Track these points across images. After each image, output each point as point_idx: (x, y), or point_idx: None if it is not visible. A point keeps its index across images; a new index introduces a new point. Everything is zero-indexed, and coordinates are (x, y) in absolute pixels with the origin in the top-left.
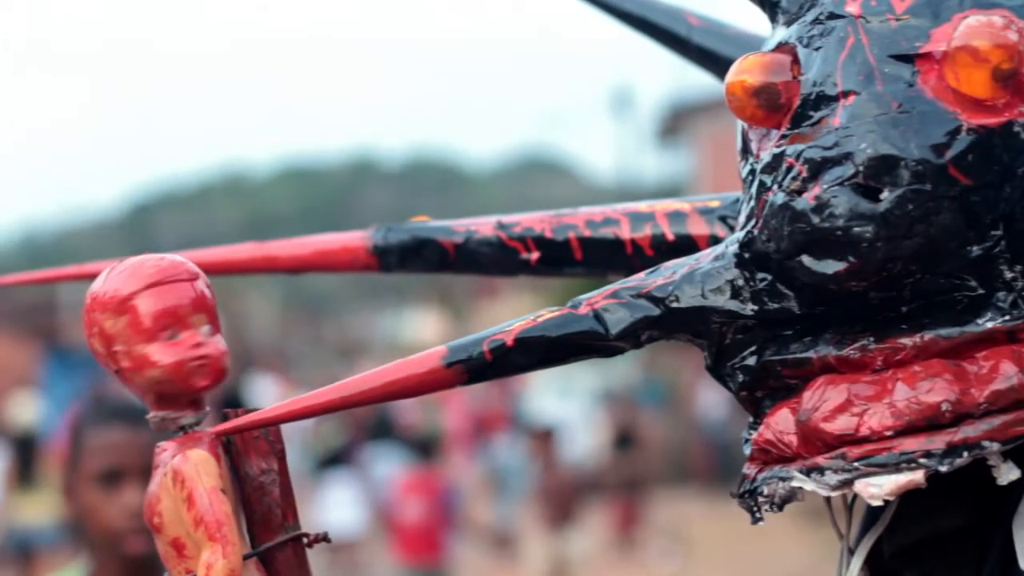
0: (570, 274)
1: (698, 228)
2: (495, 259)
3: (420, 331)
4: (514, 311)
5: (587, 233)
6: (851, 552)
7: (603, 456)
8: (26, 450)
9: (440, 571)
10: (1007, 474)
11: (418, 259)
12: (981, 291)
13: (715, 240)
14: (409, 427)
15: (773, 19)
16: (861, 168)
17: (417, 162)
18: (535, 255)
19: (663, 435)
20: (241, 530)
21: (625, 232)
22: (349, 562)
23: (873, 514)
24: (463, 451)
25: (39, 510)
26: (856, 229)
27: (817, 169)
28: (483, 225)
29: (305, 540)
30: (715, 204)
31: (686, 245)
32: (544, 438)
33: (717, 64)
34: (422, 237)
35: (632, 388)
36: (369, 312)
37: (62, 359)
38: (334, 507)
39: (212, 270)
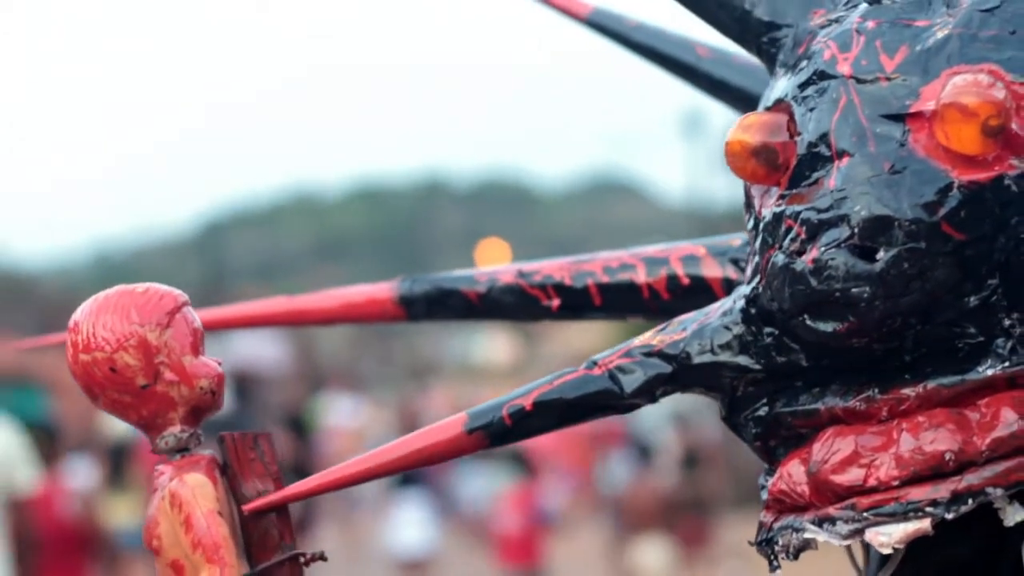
0: (591, 319)
1: (711, 271)
2: (518, 306)
3: (491, 353)
4: (584, 334)
5: (605, 279)
6: None
7: (671, 476)
8: (118, 455)
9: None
10: (1013, 516)
11: (444, 308)
12: (981, 338)
13: (727, 282)
14: (515, 446)
15: (772, 71)
16: (856, 230)
17: (487, 184)
18: (556, 302)
19: (730, 456)
20: (240, 551)
21: (641, 277)
22: None
23: None
24: (555, 467)
25: (128, 512)
26: (854, 290)
27: (815, 231)
28: (504, 274)
29: (302, 559)
30: (735, 243)
31: (700, 287)
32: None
33: (725, 92)
34: (446, 288)
35: (700, 409)
36: (440, 334)
37: None
38: (405, 526)
39: (246, 323)
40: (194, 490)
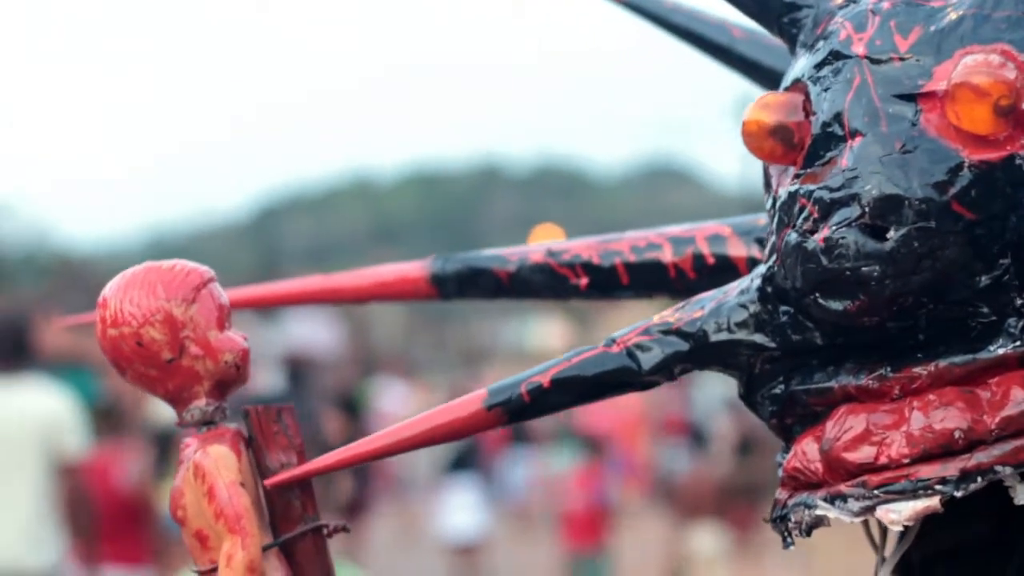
0: (619, 298)
1: (736, 250)
2: (547, 285)
3: (545, 339)
4: (636, 317)
5: (632, 258)
6: (883, 561)
7: (725, 462)
8: (165, 441)
9: (602, 555)
10: (1023, 495)
11: (475, 287)
12: (993, 318)
13: (752, 261)
14: (582, 426)
15: (792, 50)
16: (867, 209)
17: (543, 169)
18: (584, 280)
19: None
20: (263, 522)
21: (668, 256)
22: (470, 565)
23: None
24: (614, 451)
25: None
26: (864, 269)
27: (827, 210)
28: (534, 253)
29: (325, 530)
30: (760, 223)
31: (726, 266)
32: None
33: (759, 73)
34: (477, 266)
35: None
36: (494, 319)
37: None
38: (456, 511)
39: (284, 301)
40: (217, 461)
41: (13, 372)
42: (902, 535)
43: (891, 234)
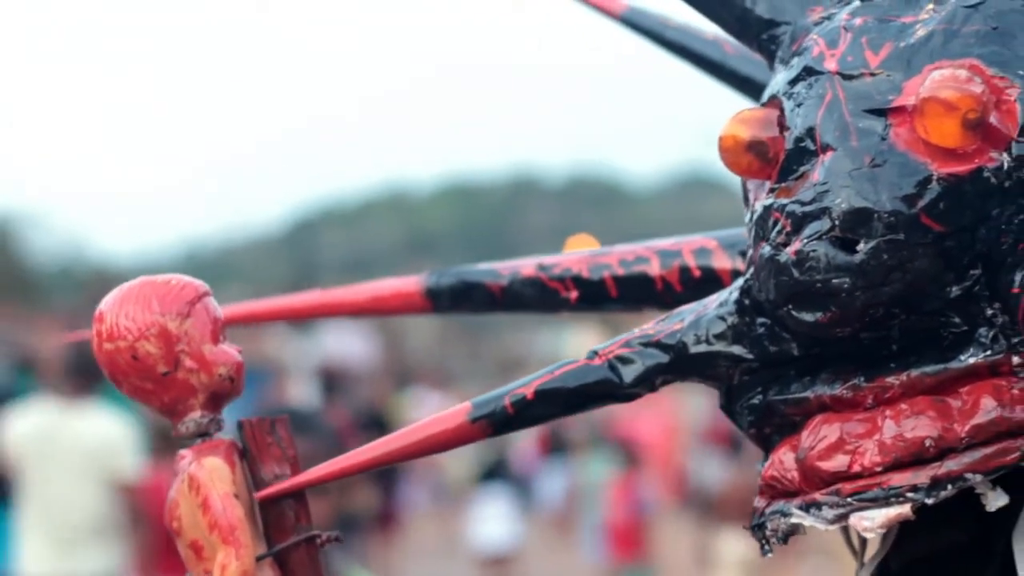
0: (608, 310)
1: (721, 263)
2: (538, 299)
3: (580, 348)
4: None
5: (620, 272)
6: (863, 567)
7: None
8: None
9: (646, 564)
10: (994, 502)
11: (468, 301)
12: (965, 328)
13: (736, 273)
14: (619, 436)
15: (771, 66)
16: (837, 222)
17: (578, 180)
18: (574, 294)
19: None
20: (257, 532)
21: (655, 269)
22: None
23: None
24: (656, 462)
25: None
26: (835, 281)
27: (799, 223)
28: (525, 267)
29: (318, 540)
30: (745, 235)
31: (711, 278)
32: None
33: (751, 88)
34: (471, 281)
35: None
36: (529, 329)
37: None
38: (488, 521)
39: (281, 316)
40: (211, 473)
41: (79, 398)
42: (882, 541)
43: (861, 247)
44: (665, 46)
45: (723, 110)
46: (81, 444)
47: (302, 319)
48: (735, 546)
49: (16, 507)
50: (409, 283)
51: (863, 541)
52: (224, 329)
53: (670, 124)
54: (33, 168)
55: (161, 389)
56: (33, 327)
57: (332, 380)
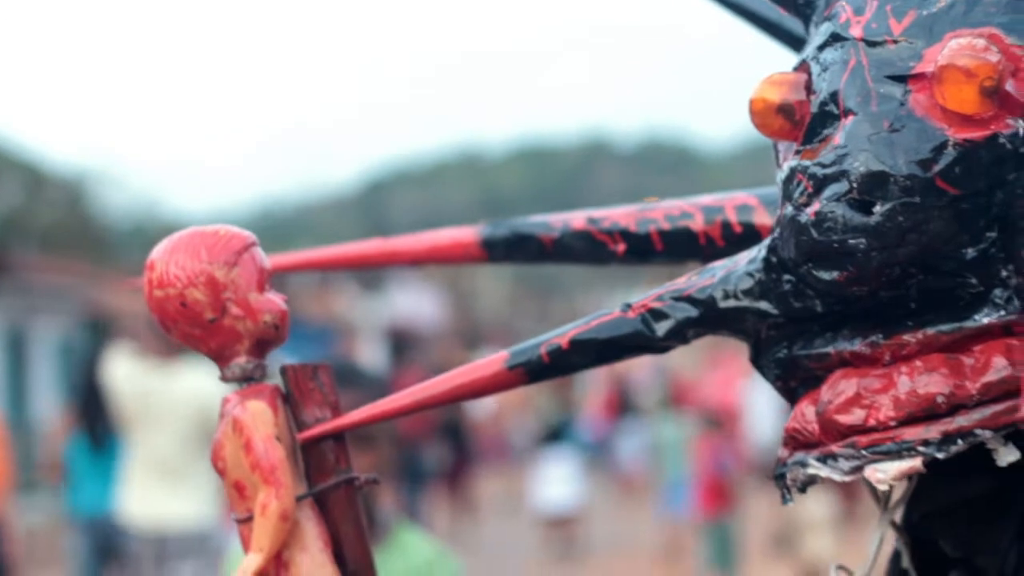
0: (654, 263)
1: (762, 219)
2: (587, 251)
3: None
4: None
5: (666, 226)
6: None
7: None
8: None
9: (731, 521)
10: (1006, 456)
11: (521, 251)
12: (981, 288)
13: None
14: (700, 401)
15: (806, 30)
16: (855, 184)
17: (650, 144)
18: (621, 247)
19: None
20: (299, 474)
21: (698, 224)
22: (565, 536)
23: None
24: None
25: None
26: (851, 241)
27: (819, 185)
28: (576, 220)
29: (356, 483)
30: None
31: (751, 235)
32: None
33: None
34: (523, 232)
35: None
36: (600, 291)
37: (293, 331)
38: (551, 483)
39: (344, 264)
40: (254, 416)
41: (170, 354)
42: (901, 493)
43: (877, 208)
44: (725, 5)
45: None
46: (178, 399)
47: (363, 267)
48: (817, 506)
49: (116, 455)
50: (466, 233)
51: (888, 492)
52: (271, 278)
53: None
54: (110, 128)
55: (208, 335)
56: (106, 284)
57: (401, 340)
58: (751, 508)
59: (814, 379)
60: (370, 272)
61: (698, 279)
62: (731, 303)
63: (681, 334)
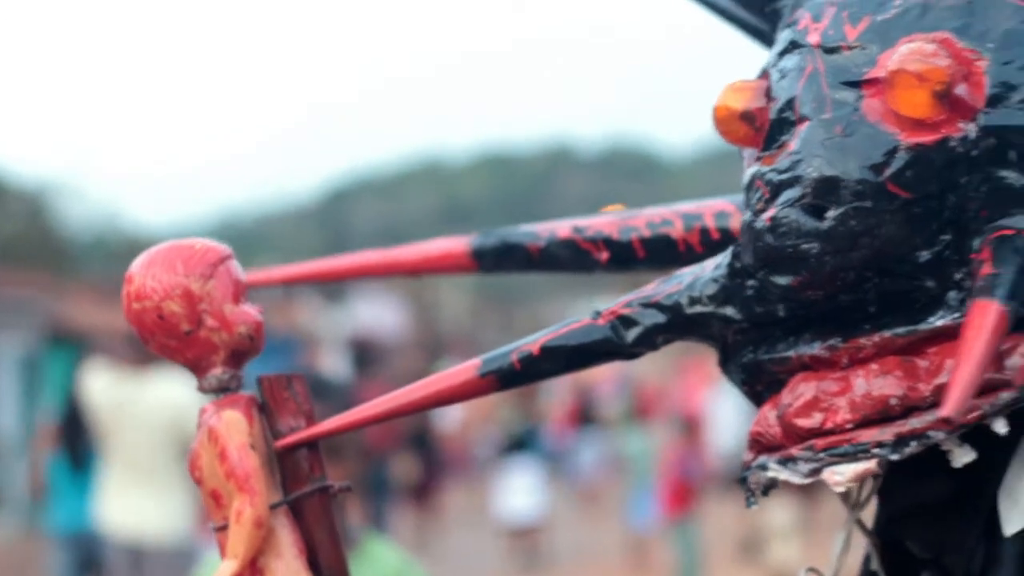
0: (637, 270)
1: (738, 225)
2: (573, 259)
3: None
4: None
5: (647, 234)
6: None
7: None
8: None
9: (692, 522)
10: (961, 458)
11: (509, 261)
12: (937, 291)
13: None
14: (667, 409)
15: (773, 37)
16: (808, 190)
17: (614, 151)
18: (605, 255)
19: None
20: (275, 483)
21: (678, 231)
22: (528, 547)
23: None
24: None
25: None
26: (804, 246)
27: (775, 191)
28: (561, 229)
29: (330, 491)
30: None
31: (729, 240)
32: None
33: None
34: (511, 242)
35: None
36: (562, 300)
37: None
38: (514, 493)
39: (346, 275)
40: (229, 425)
41: (144, 365)
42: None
43: (830, 213)
44: (712, 9)
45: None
46: (151, 408)
47: (362, 278)
48: (782, 513)
49: (95, 473)
50: (457, 243)
51: (859, 494)
52: (246, 291)
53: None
54: (70, 140)
55: (185, 346)
56: (67, 297)
57: (364, 351)
58: (716, 515)
59: (778, 383)
60: (332, 284)
61: (666, 286)
62: (697, 309)
63: (650, 340)
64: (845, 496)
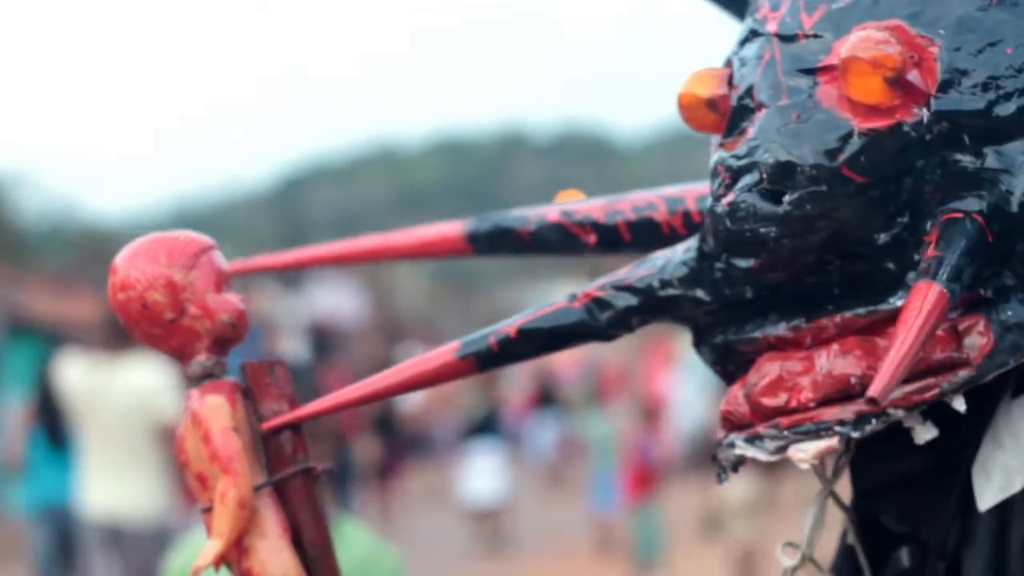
0: (624, 253)
1: None
2: (562, 242)
3: None
4: None
5: (632, 217)
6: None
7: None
8: None
9: (654, 506)
10: (923, 435)
11: (502, 244)
12: (898, 272)
13: None
14: (630, 391)
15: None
16: (765, 175)
17: (567, 135)
18: (592, 238)
19: None
20: (260, 465)
21: (662, 214)
22: (491, 529)
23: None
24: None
25: None
26: (762, 230)
27: (735, 176)
28: (551, 213)
29: (313, 472)
30: None
31: None
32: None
33: None
34: (504, 226)
35: None
36: (519, 283)
37: None
38: (478, 475)
39: (346, 259)
40: (212, 409)
41: (117, 352)
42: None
43: (786, 198)
44: None
45: (715, 64)
46: (126, 393)
47: (362, 262)
48: (743, 491)
49: (70, 450)
50: (454, 228)
51: (836, 468)
52: (229, 280)
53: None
54: (24, 129)
55: (169, 334)
56: (24, 287)
57: (323, 337)
58: (678, 497)
59: (748, 363)
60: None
61: (639, 269)
62: (669, 291)
63: (625, 322)
64: (819, 470)
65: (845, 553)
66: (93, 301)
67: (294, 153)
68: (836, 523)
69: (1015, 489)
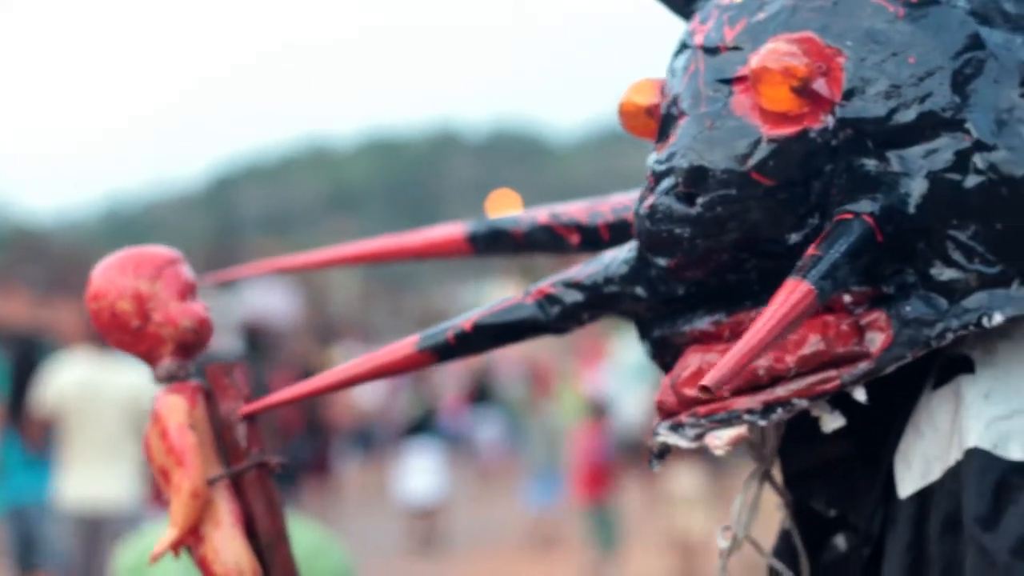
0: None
1: None
2: (550, 243)
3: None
4: None
5: (611, 219)
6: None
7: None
8: None
9: (610, 505)
10: (830, 424)
11: (498, 245)
12: None
13: None
14: (586, 391)
15: None
16: (680, 179)
17: (499, 135)
18: (576, 239)
19: None
20: (219, 459)
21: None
22: (428, 527)
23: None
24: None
25: None
26: (677, 230)
27: (657, 180)
28: (541, 215)
29: (268, 466)
30: None
31: None
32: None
33: None
34: (499, 228)
35: None
36: (451, 284)
37: None
38: (415, 474)
39: (358, 260)
40: (169, 408)
41: (103, 351)
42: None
43: (699, 200)
44: None
45: (647, 64)
46: (118, 389)
47: (373, 263)
48: (684, 482)
49: (51, 453)
50: (456, 229)
51: (771, 451)
52: (193, 290)
53: (593, 78)
54: None
55: (136, 340)
56: None
57: (256, 337)
58: (623, 491)
59: (682, 356)
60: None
61: (588, 267)
62: (611, 288)
63: (575, 317)
64: (754, 454)
65: (785, 537)
66: (26, 300)
67: (226, 151)
68: (782, 509)
69: (934, 477)
